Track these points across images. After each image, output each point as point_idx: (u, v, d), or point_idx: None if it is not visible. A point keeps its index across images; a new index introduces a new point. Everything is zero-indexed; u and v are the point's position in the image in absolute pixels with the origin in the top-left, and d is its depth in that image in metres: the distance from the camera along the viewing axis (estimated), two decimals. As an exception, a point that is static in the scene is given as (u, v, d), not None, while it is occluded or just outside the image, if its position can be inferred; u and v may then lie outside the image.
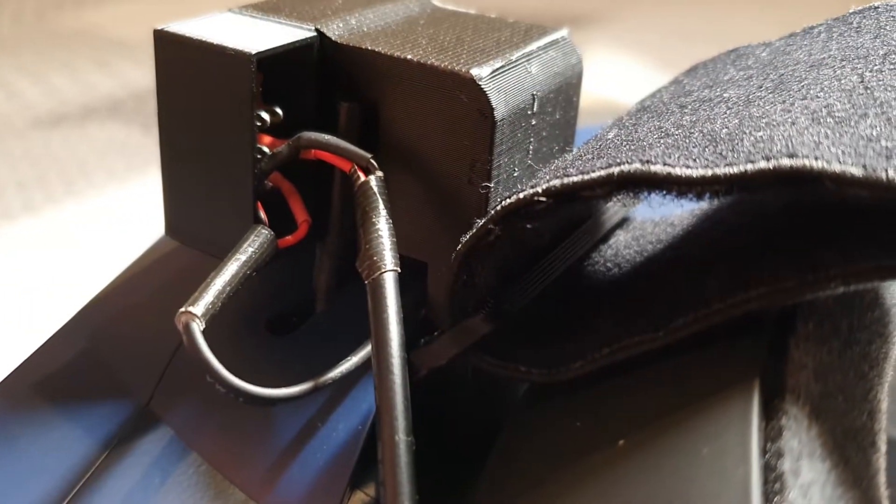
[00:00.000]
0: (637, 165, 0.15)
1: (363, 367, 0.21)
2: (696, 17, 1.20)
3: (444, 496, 0.19)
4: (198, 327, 0.18)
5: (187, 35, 0.20)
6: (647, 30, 1.13)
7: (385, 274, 0.19)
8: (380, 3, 0.24)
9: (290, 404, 0.20)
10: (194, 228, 0.22)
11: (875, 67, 0.17)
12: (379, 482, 0.17)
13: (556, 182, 0.16)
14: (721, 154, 0.15)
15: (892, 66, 0.17)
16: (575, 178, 0.16)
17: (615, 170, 0.15)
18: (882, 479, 0.15)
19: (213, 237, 0.22)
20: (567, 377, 0.18)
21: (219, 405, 0.21)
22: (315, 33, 0.21)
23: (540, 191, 0.16)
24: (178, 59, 0.20)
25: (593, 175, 0.16)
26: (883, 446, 0.16)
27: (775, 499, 0.13)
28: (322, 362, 0.21)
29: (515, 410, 0.21)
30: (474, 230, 0.18)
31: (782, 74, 0.18)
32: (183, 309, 0.18)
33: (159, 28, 0.20)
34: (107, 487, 0.19)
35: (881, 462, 0.15)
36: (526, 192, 0.17)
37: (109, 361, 0.23)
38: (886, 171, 0.13)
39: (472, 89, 0.20)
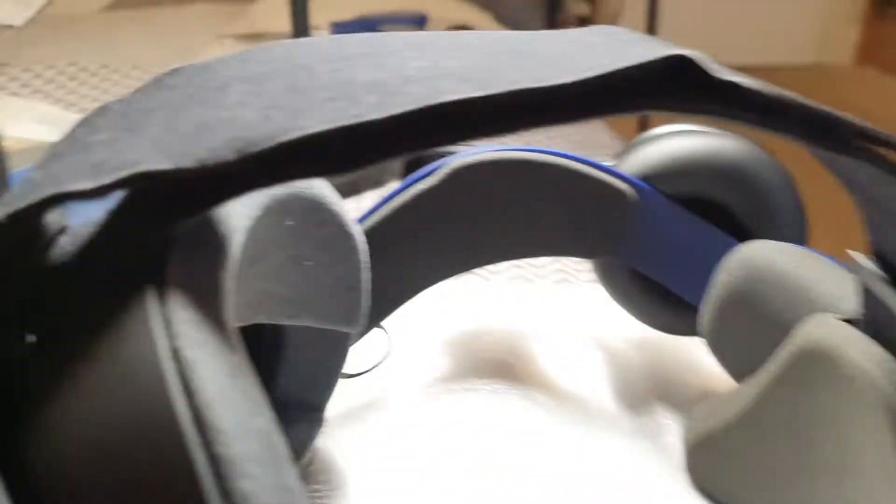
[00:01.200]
0: (53, 189, 0.26)
1: None
2: (90, 52, 1.28)
3: None
4: None
5: None
6: (42, 69, 1.19)
7: None
8: None
9: None
10: None
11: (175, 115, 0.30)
12: None
13: (9, 209, 0.27)
14: (97, 169, 0.26)
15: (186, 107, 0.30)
16: (20, 205, 0.26)
17: (41, 195, 0.26)
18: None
19: None
20: None
21: None
22: None
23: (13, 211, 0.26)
24: None
25: (28, 203, 0.26)
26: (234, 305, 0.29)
27: (174, 341, 0.25)
28: None
29: None
30: None
31: (129, 119, 0.31)
32: None
33: None
34: None
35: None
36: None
37: None
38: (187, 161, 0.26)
39: None
